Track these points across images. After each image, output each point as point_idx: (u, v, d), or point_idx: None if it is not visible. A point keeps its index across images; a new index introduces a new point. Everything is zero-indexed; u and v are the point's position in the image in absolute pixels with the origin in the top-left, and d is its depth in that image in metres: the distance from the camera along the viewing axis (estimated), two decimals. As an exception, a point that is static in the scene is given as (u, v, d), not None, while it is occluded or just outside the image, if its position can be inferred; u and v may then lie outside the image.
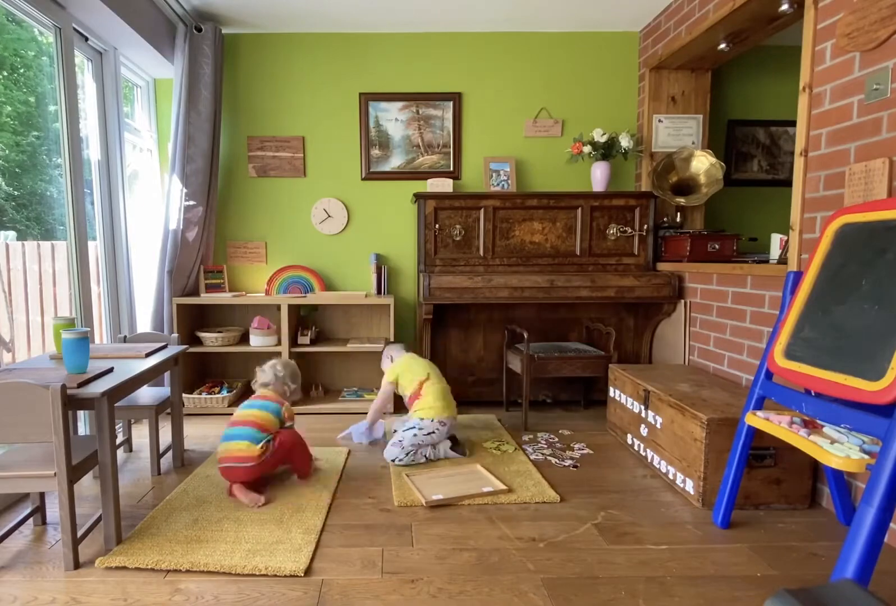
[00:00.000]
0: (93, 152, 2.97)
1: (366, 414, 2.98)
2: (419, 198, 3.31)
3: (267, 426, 2.24)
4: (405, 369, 2.71)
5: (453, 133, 3.63)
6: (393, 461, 2.51)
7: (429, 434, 2.52)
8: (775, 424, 1.73)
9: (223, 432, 2.26)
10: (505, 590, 1.63)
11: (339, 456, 2.63)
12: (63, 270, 2.72)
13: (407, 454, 2.49)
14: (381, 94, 3.60)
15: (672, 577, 1.69)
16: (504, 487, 2.25)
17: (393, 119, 3.63)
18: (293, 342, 3.39)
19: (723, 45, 2.98)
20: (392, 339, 3.38)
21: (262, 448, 2.17)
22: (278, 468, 2.37)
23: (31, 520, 2.01)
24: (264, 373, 2.46)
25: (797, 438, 1.62)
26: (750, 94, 3.72)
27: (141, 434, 2.95)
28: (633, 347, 3.56)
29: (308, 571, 1.71)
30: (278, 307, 3.35)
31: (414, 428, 2.53)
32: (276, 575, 1.69)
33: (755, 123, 3.74)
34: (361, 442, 2.81)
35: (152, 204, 3.60)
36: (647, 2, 3.18)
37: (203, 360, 3.67)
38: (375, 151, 3.64)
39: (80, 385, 1.74)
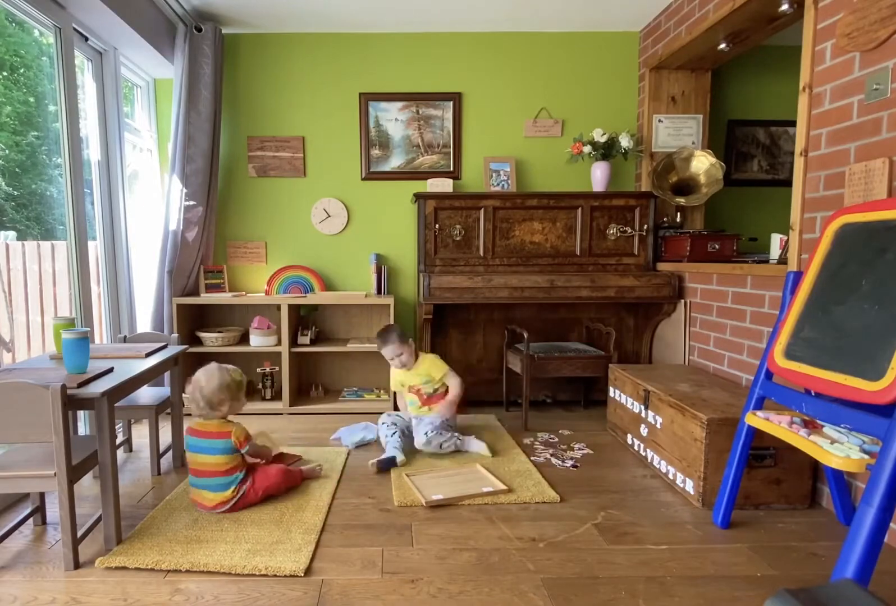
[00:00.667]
0: (93, 152, 2.97)
1: (366, 413, 2.98)
2: (419, 198, 3.31)
3: (229, 468, 2.07)
4: None
5: (453, 133, 3.63)
6: (426, 434, 2.59)
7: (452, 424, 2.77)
8: (775, 424, 1.73)
9: (188, 476, 2.14)
10: (505, 590, 1.63)
11: (339, 457, 2.63)
12: (63, 270, 2.72)
13: (435, 431, 2.61)
14: (381, 94, 3.60)
15: (672, 577, 1.69)
16: (504, 487, 2.25)
17: (393, 119, 3.62)
18: (293, 342, 3.39)
19: (723, 45, 2.98)
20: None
21: (232, 492, 2.05)
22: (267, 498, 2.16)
23: (31, 520, 2.00)
24: (191, 402, 2.13)
25: (797, 438, 1.62)
26: (750, 94, 3.72)
27: (141, 434, 2.95)
28: (633, 347, 3.56)
29: (308, 571, 1.71)
30: (278, 307, 3.35)
31: (438, 417, 2.71)
32: (276, 575, 1.69)
33: (755, 123, 3.74)
34: (348, 446, 2.78)
35: (152, 204, 3.60)
36: (647, 2, 3.18)
37: (203, 360, 3.64)
38: (375, 151, 3.64)
39: (80, 385, 1.74)
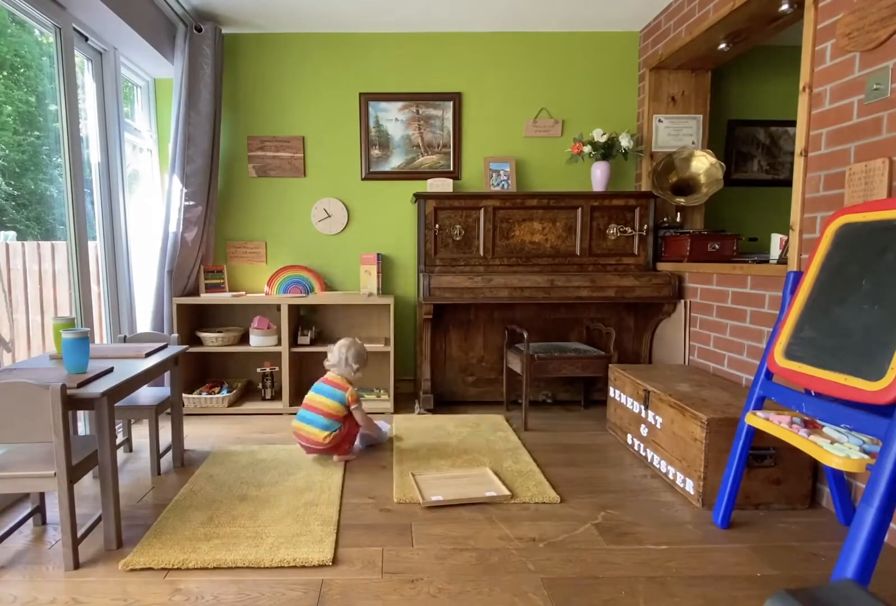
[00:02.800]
0: (93, 152, 2.97)
1: (366, 413, 2.96)
2: (419, 198, 3.31)
3: (334, 414, 2.54)
4: None
5: (453, 133, 3.63)
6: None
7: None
8: (775, 424, 1.73)
9: (298, 412, 2.62)
10: (505, 590, 1.63)
11: (339, 456, 2.64)
12: (63, 270, 2.72)
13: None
14: (381, 94, 3.60)
15: (672, 577, 1.69)
16: (508, 493, 2.21)
17: (393, 119, 3.63)
18: (293, 342, 3.39)
19: (723, 45, 2.98)
20: (392, 339, 3.37)
21: (325, 437, 2.49)
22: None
23: (31, 520, 2.01)
24: (332, 354, 2.68)
25: (797, 438, 1.62)
26: (750, 94, 3.72)
27: (141, 434, 2.95)
28: (633, 347, 3.56)
29: (334, 561, 1.74)
30: (278, 307, 3.35)
31: None
32: (304, 567, 1.73)
33: (755, 123, 3.74)
34: (359, 447, 2.78)
35: (152, 204, 3.60)
36: (647, 2, 3.18)
37: (203, 360, 3.67)
38: (375, 151, 3.64)
39: (80, 385, 1.74)
